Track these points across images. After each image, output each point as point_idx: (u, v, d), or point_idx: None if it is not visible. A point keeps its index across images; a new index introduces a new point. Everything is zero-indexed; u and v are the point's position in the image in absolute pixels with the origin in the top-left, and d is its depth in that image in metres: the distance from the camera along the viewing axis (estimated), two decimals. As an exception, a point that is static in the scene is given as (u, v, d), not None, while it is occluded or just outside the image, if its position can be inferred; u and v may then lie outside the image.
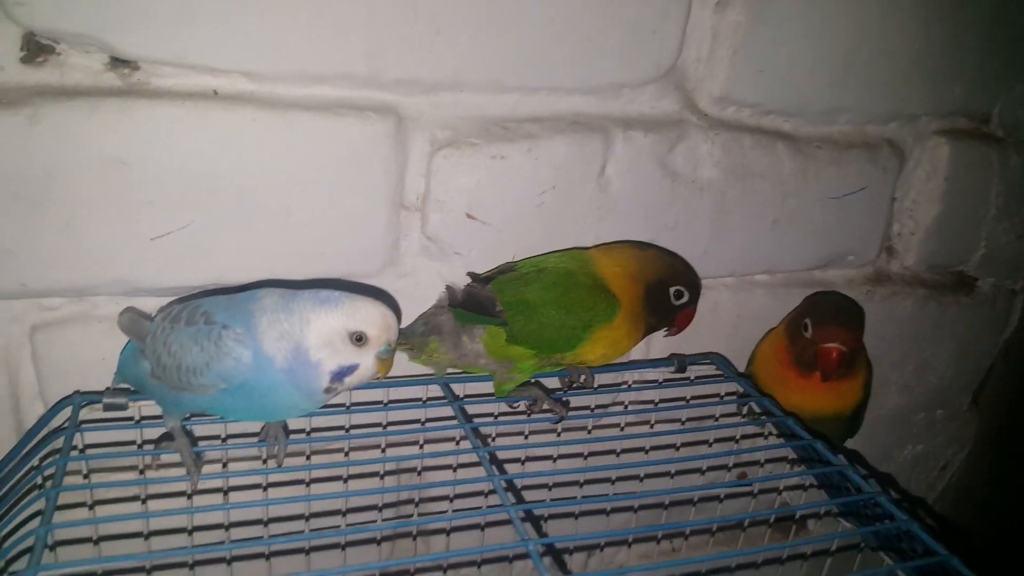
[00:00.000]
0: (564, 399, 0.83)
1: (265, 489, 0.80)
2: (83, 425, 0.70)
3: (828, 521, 1.08)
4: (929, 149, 1.03)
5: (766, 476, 1.01)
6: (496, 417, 0.84)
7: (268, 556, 0.82)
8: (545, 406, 0.80)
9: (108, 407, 0.71)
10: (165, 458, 0.71)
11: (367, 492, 0.87)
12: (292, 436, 0.75)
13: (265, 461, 0.75)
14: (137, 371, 0.68)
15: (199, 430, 0.77)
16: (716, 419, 0.92)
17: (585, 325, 0.76)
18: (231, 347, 0.60)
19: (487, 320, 0.75)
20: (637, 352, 0.94)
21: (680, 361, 0.91)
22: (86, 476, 0.72)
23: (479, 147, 0.80)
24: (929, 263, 1.10)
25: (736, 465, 1.02)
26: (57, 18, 0.63)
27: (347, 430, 0.79)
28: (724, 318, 1.01)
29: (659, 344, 0.96)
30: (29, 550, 0.54)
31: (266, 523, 0.80)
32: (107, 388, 0.73)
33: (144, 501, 0.74)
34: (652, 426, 0.89)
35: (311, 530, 0.82)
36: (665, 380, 0.91)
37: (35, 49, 0.65)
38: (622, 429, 0.90)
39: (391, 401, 0.79)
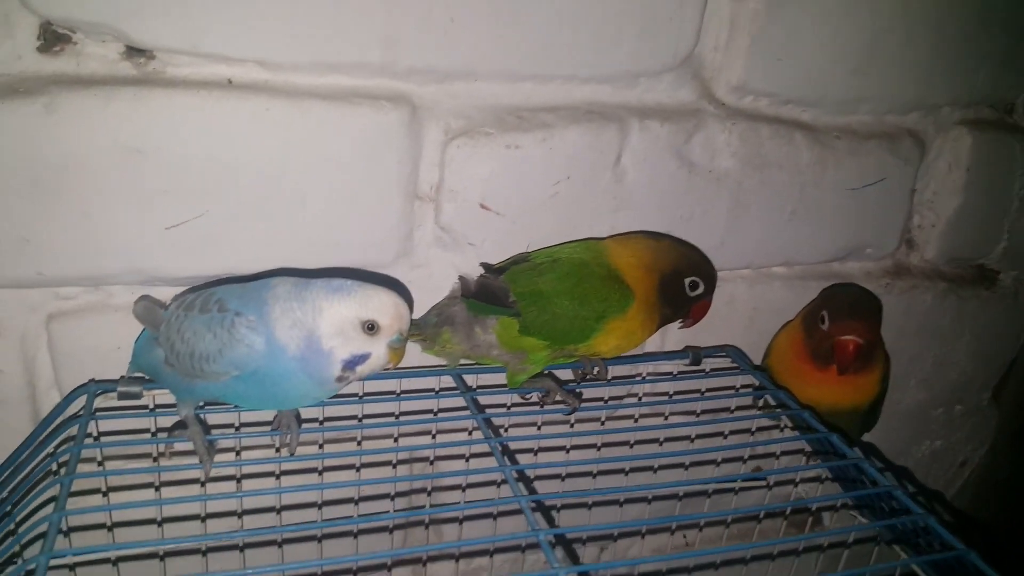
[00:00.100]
0: (577, 391, 0.82)
1: (278, 477, 0.80)
2: (98, 413, 0.71)
3: (844, 515, 1.07)
4: (951, 140, 1.02)
5: (781, 469, 1.00)
6: (509, 408, 0.84)
7: (281, 544, 0.83)
8: (558, 397, 0.80)
9: (123, 395, 0.71)
10: (179, 446, 0.71)
11: (380, 481, 0.87)
12: (306, 425, 0.75)
13: (278, 450, 0.75)
14: (151, 359, 0.68)
15: (213, 418, 0.78)
16: (731, 411, 0.91)
17: (598, 316, 0.75)
18: (244, 334, 0.60)
19: (500, 311, 0.75)
20: (652, 344, 0.94)
21: (695, 353, 0.90)
22: (101, 463, 0.73)
23: (493, 136, 0.79)
24: (950, 256, 1.09)
25: (752, 458, 1.01)
26: (73, 7, 0.64)
27: (360, 419, 0.79)
28: (740, 310, 1.00)
29: (674, 336, 0.95)
30: (43, 536, 0.54)
31: (279, 511, 0.81)
32: (122, 376, 0.73)
33: (158, 488, 0.75)
34: (667, 418, 0.89)
35: (324, 518, 0.82)
36: (680, 372, 0.91)
37: (52, 38, 0.65)
38: (636, 421, 0.89)
39: (404, 391, 0.79)
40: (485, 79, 0.78)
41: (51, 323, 0.73)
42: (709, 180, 0.90)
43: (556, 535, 0.76)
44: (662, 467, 0.93)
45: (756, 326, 1.00)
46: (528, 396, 0.83)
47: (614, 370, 0.87)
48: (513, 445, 0.88)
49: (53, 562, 0.52)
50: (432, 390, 0.82)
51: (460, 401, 0.78)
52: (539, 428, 0.87)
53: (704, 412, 0.91)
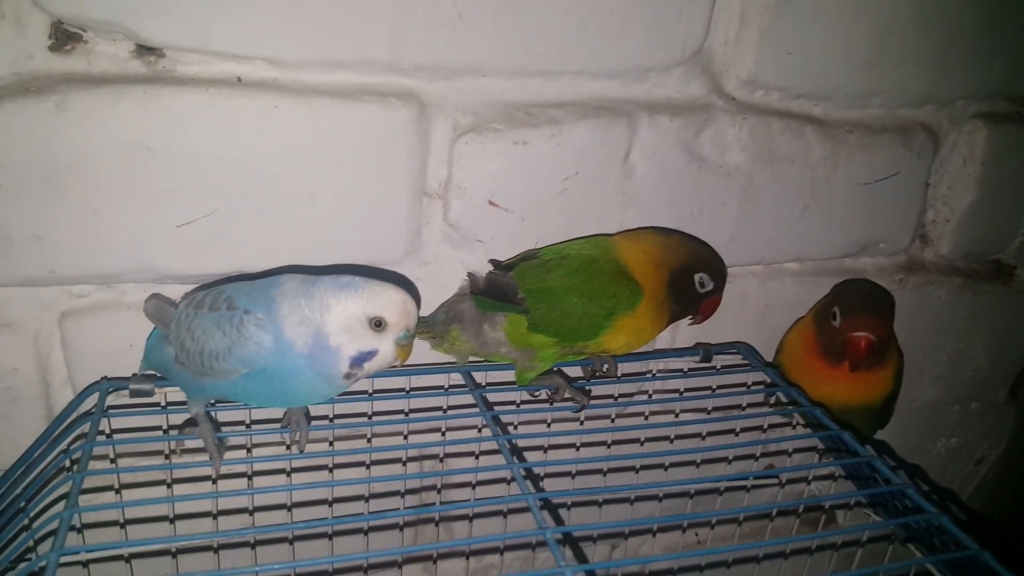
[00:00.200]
0: (586, 388, 0.82)
1: (289, 474, 0.81)
2: (110, 411, 0.71)
3: (857, 513, 1.06)
4: (966, 133, 1.00)
5: (794, 466, 0.99)
6: (518, 405, 0.84)
7: (292, 540, 0.83)
8: (567, 395, 0.80)
9: (134, 393, 0.72)
10: (190, 443, 0.72)
11: (390, 478, 0.88)
12: (315, 422, 0.75)
13: (288, 447, 0.76)
14: (162, 357, 0.69)
15: (224, 416, 0.78)
16: (743, 408, 0.90)
17: (608, 313, 0.75)
18: (252, 332, 0.60)
19: (508, 308, 0.75)
20: (662, 341, 0.93)
21: (706, 350, 0.89)
22: (113, 460, 0.73)
23: (501, 133, 0.79)
24: (965, 251, 1.07)
25: (763, 455, 1.00)
26: (84, 6, 0.64)
27: (370, 417, 0.79)
28: (751, 307, 0.99)
29: (685, 333, 0.95)
30: (56, 532, 0.54)
31: (290, 508, 0.81)
32: (134, 374, 0.74)
33: (170, 485, 0.75)
34: (677, 415, 0.88)
35: (335, 515, 0.83)
36: (691, 369, 0.90)
37: (63, 37, 0.66)
38: (646, 418, 0.89)
39: (413, 389, 0.80)
40: (493, 75, 0.78)
41: (64, 321, 0.74)
42: (719, 175, 0.89)
43: (564, 533, 0.76)
44: (673, 465, 0.93)
45: (767, 323, 1.00)
46: (537, 393, 0.83)
47: (624, 367, 0.87)
48: (522, 442, 0.88)
49: (66, 559, 0.52)
50: (441, 387, 0.82)
51: (469, 398, 0.78)
52: (548, 425, 0.87)
53: (715, 409, 0.91)
